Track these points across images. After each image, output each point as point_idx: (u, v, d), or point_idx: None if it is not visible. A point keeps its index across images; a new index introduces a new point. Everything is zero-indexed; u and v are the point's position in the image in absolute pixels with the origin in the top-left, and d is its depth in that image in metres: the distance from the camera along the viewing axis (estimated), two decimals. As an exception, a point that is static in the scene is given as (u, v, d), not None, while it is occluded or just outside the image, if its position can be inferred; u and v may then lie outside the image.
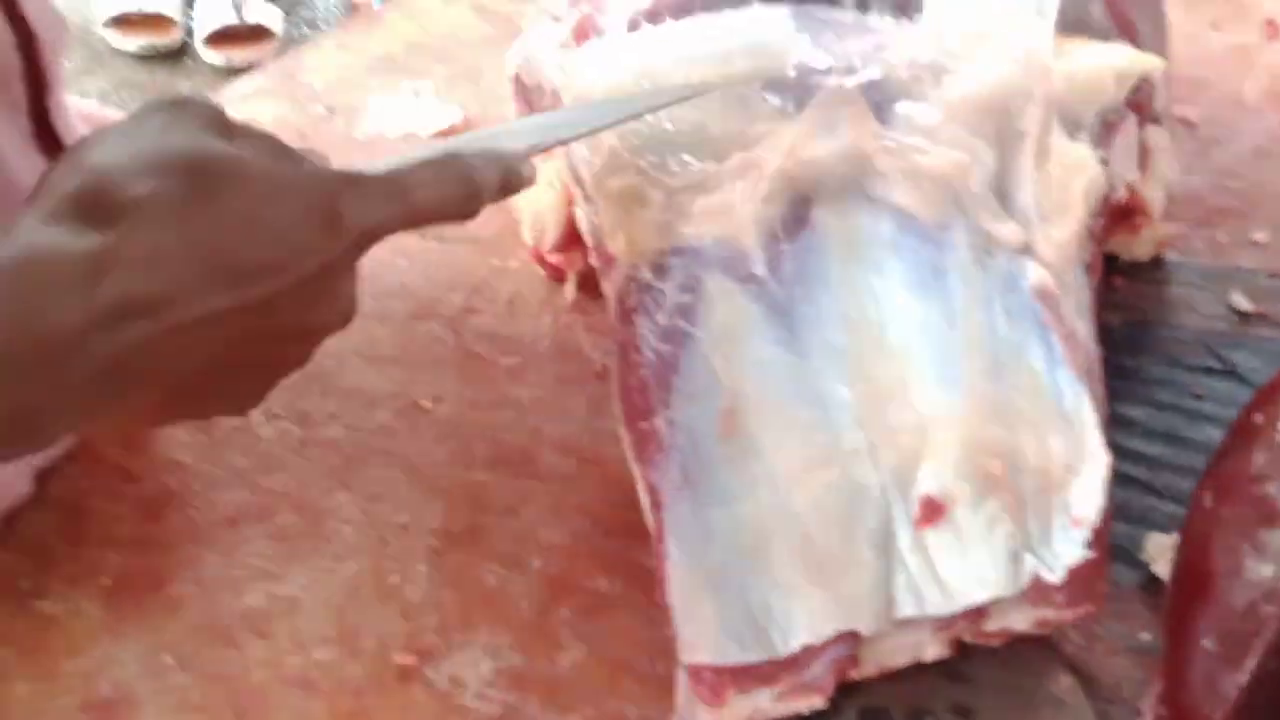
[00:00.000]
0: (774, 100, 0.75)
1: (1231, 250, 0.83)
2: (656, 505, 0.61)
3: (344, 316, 0.55)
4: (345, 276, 0.54)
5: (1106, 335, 0.77)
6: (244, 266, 0.49)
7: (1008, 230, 0.69)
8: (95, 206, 0.48)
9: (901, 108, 0.73)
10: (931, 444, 0.63)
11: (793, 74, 0.76)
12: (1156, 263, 0.83)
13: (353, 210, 0.53)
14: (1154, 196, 0.81)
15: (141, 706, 0.63)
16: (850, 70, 0.77)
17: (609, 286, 0.70)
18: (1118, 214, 0.79)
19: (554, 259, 0.80)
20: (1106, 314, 0.78)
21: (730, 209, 0.69)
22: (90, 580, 0.67)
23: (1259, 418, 0.63)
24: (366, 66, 0.98)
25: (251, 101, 0.95)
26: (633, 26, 0.81)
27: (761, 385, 0.64)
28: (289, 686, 0.63)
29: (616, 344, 0.67)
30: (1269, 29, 1.02)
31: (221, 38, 2.32)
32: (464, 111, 0.94)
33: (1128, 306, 0.80)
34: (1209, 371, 0.76)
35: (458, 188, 0.57)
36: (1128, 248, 0.82)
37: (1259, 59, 0.99)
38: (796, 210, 0.70)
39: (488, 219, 0.83)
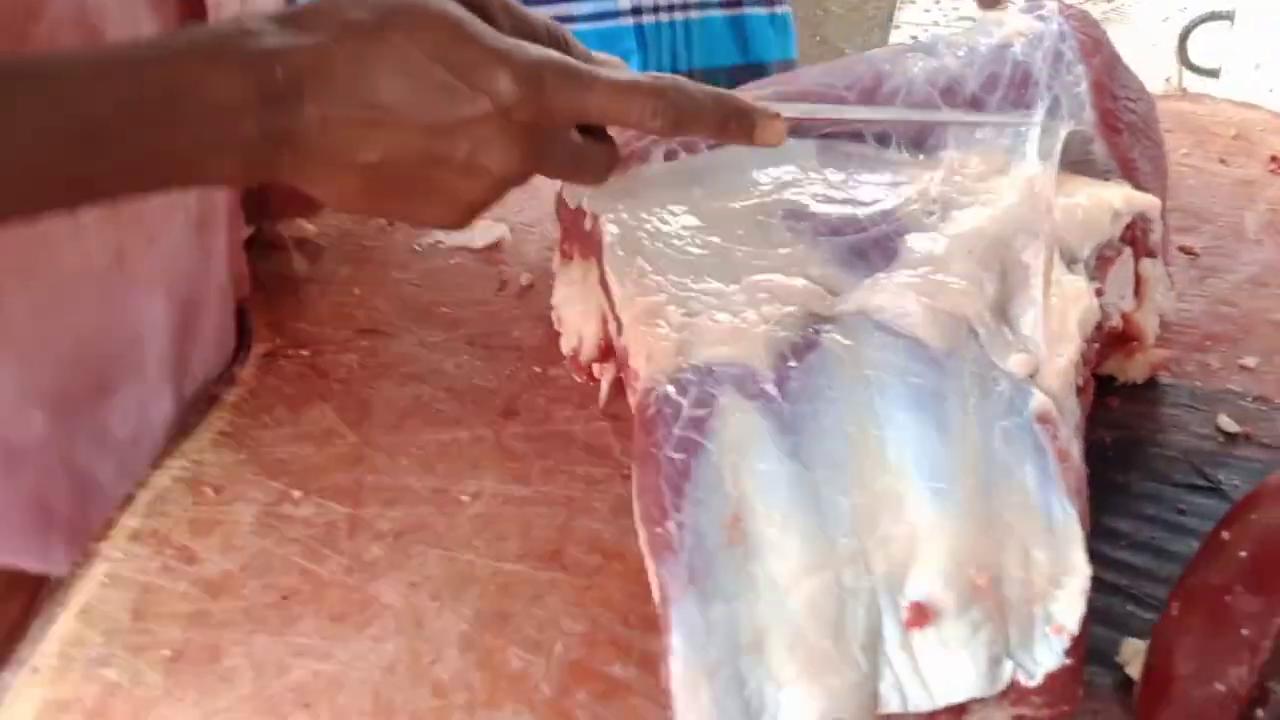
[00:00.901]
0: (794, 228, 0.81)
1: (1222, 374, 0.88)
2: (664, 600, 0.66)
3: (510, 172, 0.68)
4: (519, 137, 0.66)
5: (1099, 452, 0.82)
6: (391, 94, 0.63)
7: (1016, 361, 0.74)
8: (305, 18, 0.63)
9: (912, 239, 0.79)
10: (921, 553, 0.67)
11: (812, 204, 0.82)
12: (1151, 384, 0.87)
13: (521, 85, 0.65)
14: (1148, 325, 0.86)
15: (195, 769, 0.68)
16: (867, 202, 0.83)
17: (632, 398, 0.76)
18: (1113, 340, 0.84)
19: (590, 369, 0.85)
20: (1100, 431, 0.84)
21: (743, 332, 0.75)
22: (152, 651, 0.73)
23: (1226, 534, 0.67)
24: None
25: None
26: (670, 155, 0.88)
27: (766, 494, 0.69)
28: (329, 756, 0.69)
29: (636, 451, 0.72)
30: (1273, 164, 1.06)
31: None
32: (508, 228, 1.00)
33: (1121, 425, 0.85)
34: (1194, 488, 0.81)
35: (648, 103, 0.69)
36: (1123, 370, 0.87)
37: (1262, 193, 1.04)
38: (806, 334, 0.75)
39: (530, 330, 0.91)
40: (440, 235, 1.01)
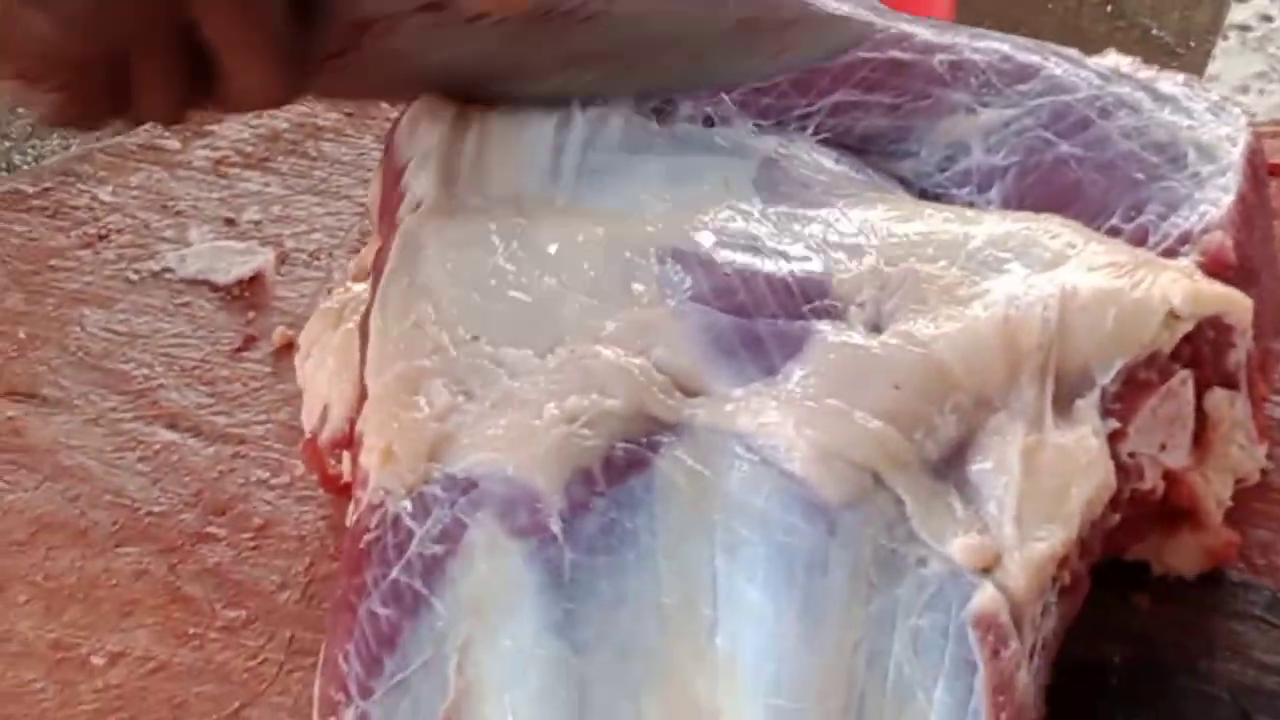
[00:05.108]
0: (670, 279, 0.81)
1: (1324, 569, 0.87)
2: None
3: None
4: None
5: (1100, 676, 0.82)
6: None
7: (963, 546, 0.73)
8: None
9: (830, 335, 0.79)
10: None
11: (710, 247, 0.82)
12: (1208, 580, 0.86)
13: None
14: (1212, 492, 0.84)
15: None
16: (792, 259, 0.82)
17: (354, 514, 0.76)
18: (1149, 511, 0.82)
19: (335, 467, 0.85)
20: (1108, 646, 0.83)
21: (533, 430, 0.75)
22: None
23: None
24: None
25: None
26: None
27: (506, 687, 0.70)
28: None
29: (333, 599, 0.73)
30: None
31: None
32: (276, 256, 1.02)
33: (1146, 638, 0.84)
34: (1230, 744, 0.80)
35: None
36: (1162, 557, 0.86)
37: None
38: (634, 445, 0.76)
39: (268, 412, 0.91)
40: (172, 262, 1.02)
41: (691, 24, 0.89)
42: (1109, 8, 2.89)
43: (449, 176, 0.85)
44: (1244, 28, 2.20)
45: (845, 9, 0.91)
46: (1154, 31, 2.85)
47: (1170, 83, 0.91)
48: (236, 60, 0.79)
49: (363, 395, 0.82)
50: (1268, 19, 2.17)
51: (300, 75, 0.81)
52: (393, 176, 0.87)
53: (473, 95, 0.90)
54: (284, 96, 0.82)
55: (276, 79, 0.80)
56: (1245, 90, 2.07)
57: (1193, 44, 2.81)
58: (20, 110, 2.64)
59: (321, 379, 0.88)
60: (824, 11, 0.91)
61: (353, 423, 0.84)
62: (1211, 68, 2.17)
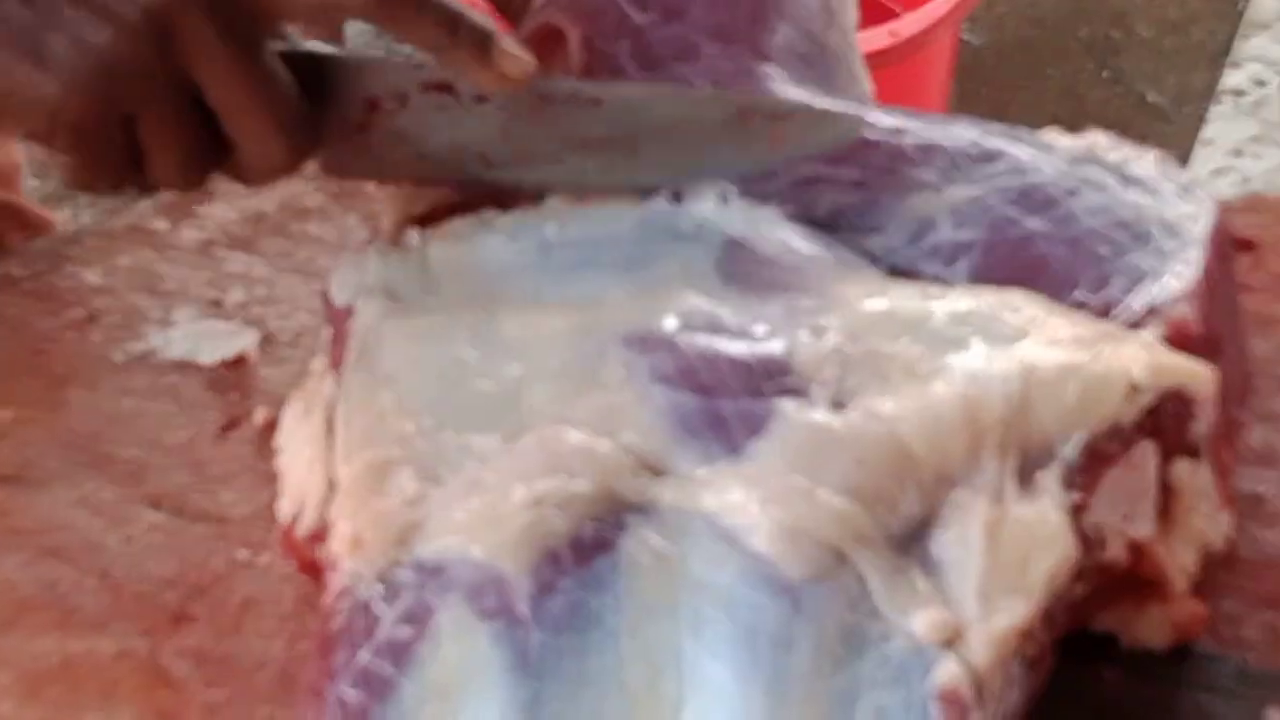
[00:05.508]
0: (632, 364, 0.82)
1: (1298, 642, 0.87)
2: None
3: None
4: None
5: None
6: None
7: (925, 620, 0.74)
8: None
9: (792, 414, 0.79)
10: None
11: (671, 330, 0.83)
12: (1178, 654, 0.86)
13: None
14: (1177, 563, 0.84)
15: None
16: (755, 338, 0.83)
17: (327, 599, 0.77)
18: (1112, 580, 0.83)
19: (308, 551, 0.86)
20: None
21: (500, 514, 0.76)
22: None
23: None
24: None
25: None
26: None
27: (474, 767, 0.70)
28: None
29: (304, 681, 0.74)
30: None
31: None
32: (260, 337, 1.03)
33: (1112, 713, 0.84)
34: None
35: None
36: (1130, 631, 0.86)
37: None
38: (602, 527, 0.77)
39: (249, 493, 0.92)
40: (157, 343, 1.02)
41: (691, 112, 0.90)
42: (1105, 73, 2.91)
43: (399, 294, 0.87)
44: (1238, 92, 2.20)
45: (839, 105, 0.93)
46: (1149, 98, 2.86)
47: (1141, 166, 0.92)
48: (242, 128, 0.81)
49: (334, 484, 0.83)
50: (1261, 84, 2.18)
51: (308, 148, 0.84)
52: (336, 317, 0.88)
53: (480, 181, 0.92)
54: (292, 167, 0.84)
55: (283, 149, 0.82)
56: (1239, 154, 2.08)
57: (1187, 109, 2.83)
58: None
59: (298, 468, 0.89)
60: (820, 107, 0.92)
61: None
62: (1206, 132, 2.18)
